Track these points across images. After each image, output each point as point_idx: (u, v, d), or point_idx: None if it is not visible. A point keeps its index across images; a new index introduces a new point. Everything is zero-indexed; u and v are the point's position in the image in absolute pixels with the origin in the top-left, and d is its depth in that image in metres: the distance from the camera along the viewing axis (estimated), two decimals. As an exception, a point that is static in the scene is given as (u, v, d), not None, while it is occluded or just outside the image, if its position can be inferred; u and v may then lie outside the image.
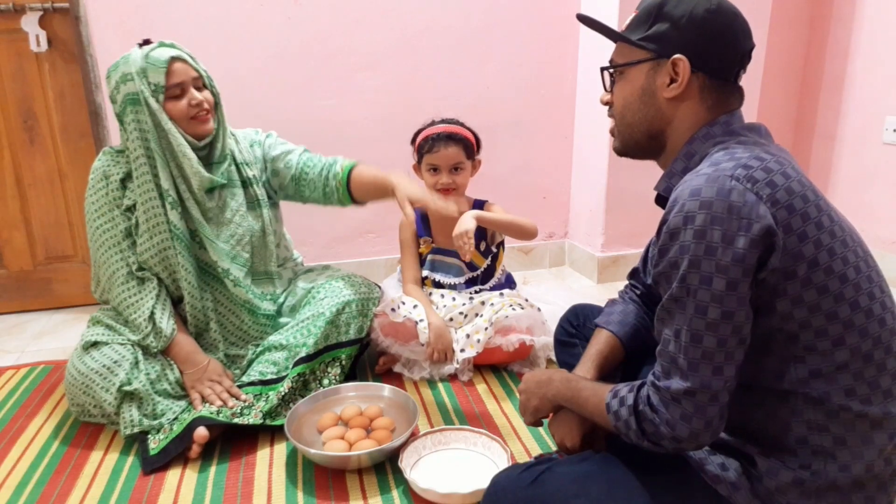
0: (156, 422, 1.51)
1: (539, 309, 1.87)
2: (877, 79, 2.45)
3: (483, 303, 1.85)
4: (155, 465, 1.43)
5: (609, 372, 1.23)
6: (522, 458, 1.43)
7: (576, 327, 1.47)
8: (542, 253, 2.81)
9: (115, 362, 1.52)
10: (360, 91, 2.41)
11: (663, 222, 0.90)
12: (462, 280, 1.92)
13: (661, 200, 1.05)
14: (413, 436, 1.45)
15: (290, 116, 2.34)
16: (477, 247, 1.90)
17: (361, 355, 1.83)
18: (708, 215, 0.84)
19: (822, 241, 0.86)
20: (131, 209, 1.60)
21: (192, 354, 1.61)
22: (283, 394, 1.57)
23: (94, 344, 1.57)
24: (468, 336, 1.78)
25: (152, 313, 1.59)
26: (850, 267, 0.88)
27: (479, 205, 1.91)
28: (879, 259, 0.96)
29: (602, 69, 1.08)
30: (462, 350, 1.78)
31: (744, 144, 0.94)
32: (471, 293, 1.90)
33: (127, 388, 1.50)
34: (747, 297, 0.85)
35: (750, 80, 1.01)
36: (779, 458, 0.91)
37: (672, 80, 0.97)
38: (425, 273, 1.95)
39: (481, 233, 1.89)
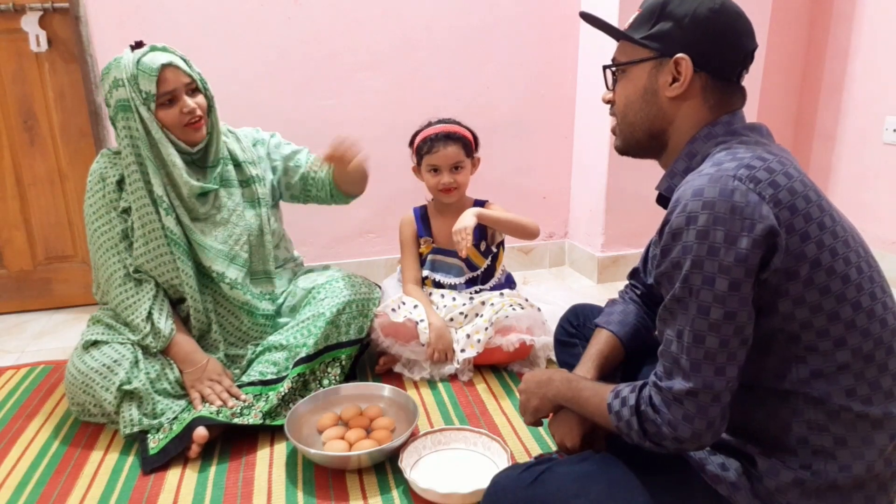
0: (155, 421, 1.51)
1: (539, 309, 1.87)
2: (877, 79, 2.45)
3: (483, 303, 1.85)
4: (155, 464, 1.43)
5: (609, 372, 1.23)
6: (522, 458, 1.43)
7: (576, 327, 1.47)
8: (542, 253, 2.81)
9: (115, 361, 1.52)
10: (360, 91, 2.41)
11: (665, 222, 0.90)
12: (462, 280, 1.92)
13: (662, 200, 1.05)
14: (413, 436, 1.45)
15: (290, 116, 2.34)
16: (477, 246, 1.90)
17: (362, 355, 1.83)
18: (711, 215, 0.84)
19: (824, 241, 0.86)
20: (128, 211, 1.60)
21: (192, 354, 1.61)
22: (283, 394, 1.57)
23: (94, 343, 1.57)
24: (468, 336, 1.78)
25: (150, 314, 1.59)
26: (852, 267, 0.88)
27: (479, 205, 1.91)
28: (879, 259, 0.96)
29: (604, 67, 1.08)
30: (462, 350, 1.78)
31: (746, 144, 0.94)
32: (471, 293, 1.90)
33: (127, 387, 1.50)
34: (750, 297, 0.85)
35: (750, 80, 1.00)
36: (779, 458, 0.91)
37: (674, 80, 0.97)
38: (425, 273, 1.95)
39: (482, 232, 1.89)
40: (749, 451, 0.94)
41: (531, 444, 1.51)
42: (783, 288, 0.86)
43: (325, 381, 1.68)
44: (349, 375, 1.76)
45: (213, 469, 1.44)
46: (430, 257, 1.95)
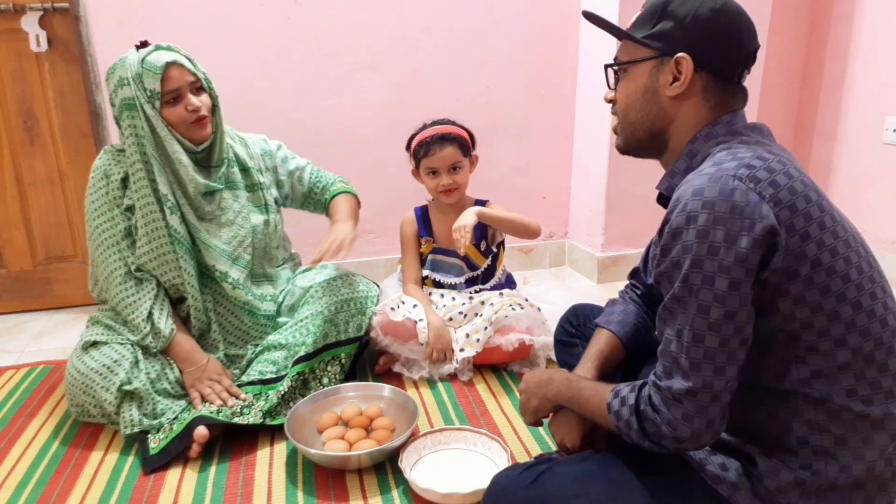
0: (156, 421, 1.51)
1: (539, 309, 1.87)
2: (877, 79, 2.45)
3: (483, 302, 1.85)
4: (155, 464, 1.43)
5: (609, 372, 1.23)
6: (522, 458, 1.43)
7: (576, 327, 1.47)
8: (542, 253, 2.81)
9: (115, 362, 1.52)
10: (360, 91, 2.41)
11: (665, 222, 0.90)
12: (462, 280, 1.92)
13: (662, 200, 1.05)
14: (413, 436, 1.45)
15: (290, 116, 2.34)
16: (477, 246, 1.90)
17: (361, 354, 1.83)
18: (710, 215, 0.84)
19: (824, 241, 0.86)
20: (131, 209, 1.60)
21: (192, 353, 1.61)
22: (282, 393, 1.57)
23: (94, 344, 1.57)
24: (468, 336, 1.78)
25: (150, 313, 1.58)
26: (853, 267, 0.88)
27: (480, 204, 1.90)
28: (879, 259, 0.96)
29: (606, 66, 1.08)
30: (461, 350, 1.78)
31: (746, 144, 0.94)
32: (471, 293, 1.90)
33: (127, 387, 1.50)
34: (749, 297, 0.85)
35: (750, 80, 1.00)
36: (779, 458, 0.91)
37: (675, 79, 0.97)
38: (426, 273, 1.95)
39: (482, 232, 1.90)
40: (749, 452, 0.94)
41: (531, 444, 1.51)
42: (783, 287, 0.86)
43: (325, 380, 1.68)
44: (349, 374, 1.76)
45: (213, 469, 1.44)
46: (430, 257, 1.95)
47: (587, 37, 2.50)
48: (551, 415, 1.17)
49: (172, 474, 1.42)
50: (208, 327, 1.69)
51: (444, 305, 1.86)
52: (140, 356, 1.55)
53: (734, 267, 0.83)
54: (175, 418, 1.53)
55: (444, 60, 2.45)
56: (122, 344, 1.56)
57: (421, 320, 1.79)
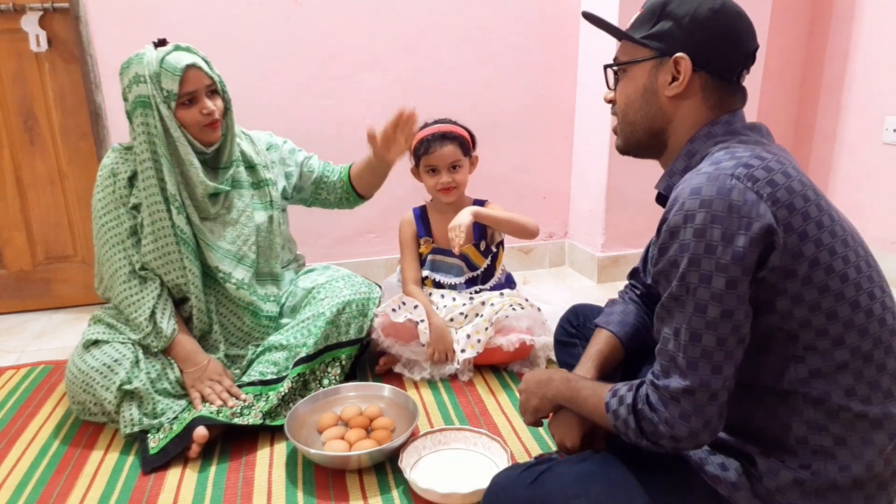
0: (156, 421, 1.51)
1: (539, 309, 1.87)
2: (877, 79, 2.45)
3: (483, 303, 1.85)
4: (155, 464, 1.43)
5: (609, 372, 1.23)
6: (522, 458, 1.43)
7: (576, 327, 1.48)
8: (542, 253, 2.81)
9: (116, 361, 1.52)
10: (360, 91, 2.41)
11: (663, 221, 0.90)
12: (462, 280, 1.92)
13: (661, 199, 1.05)
14: (413, 436, 1.45)
15: (290, 116, 2.34)
16: (477, 246, 1.90)
17: (362, 355, 1.83)
18: (708, 214, 0.84)
19: (822, 240, 0.86)
20: (137, 207, 1.61)
21: (193, 354, 1.61)
22: (283, 394, 1.57)
23: (95, 342, 1.58)
24: (468, 336, 1.78)
25: (153, 313, 1.59)
26: (851, 266, 0.88)
27: (479, 204, 1.90)
28: (879, 259, 0.96)
29: (605, 67, 1.08)
30: (462, 350, 1.78)
31: (745, 144, 0.94)
32: (471, 293, 1.90)
33: (127, 386, 1.50)
34: (747, 295, 0.85)
35: (750, 81, 1.01)
36: (779, 457, 0.91)
37: (674, 79, 0.97)
38: (425, 273, 1.95)
39: (481, 232, 1.90)
40: (748, 451, 0.94)
41: (531, 444, 1.51)
42: (781, 286, 0.86)
43: (326, 381, 1.68)
44: (349, 375, 1.76)
45: (213, 469, 1.44)
46: (429, 257, 1.95)
47: (587, 37, 2.50)
48: (551, 415, 1.18)
49: (172, 474, 1.42)
50: (210, 328, 1.69)
51: (445, 306, 1.86)
52: (141, 355, 1.55)
53: (731, 265, 0.83)
54: (175, 418, 1.53)
55: (444, 61, 2.45)
56: (122, 343, 1.56)
57: (422, 321, 1.79)
